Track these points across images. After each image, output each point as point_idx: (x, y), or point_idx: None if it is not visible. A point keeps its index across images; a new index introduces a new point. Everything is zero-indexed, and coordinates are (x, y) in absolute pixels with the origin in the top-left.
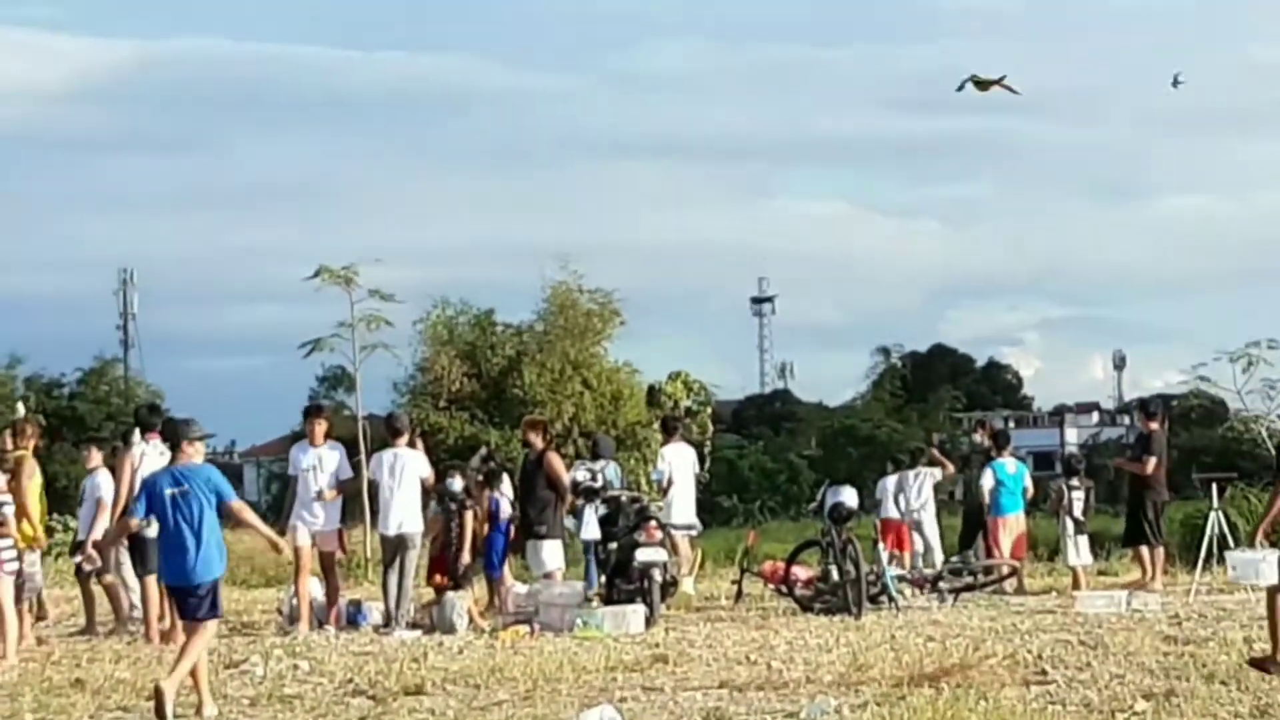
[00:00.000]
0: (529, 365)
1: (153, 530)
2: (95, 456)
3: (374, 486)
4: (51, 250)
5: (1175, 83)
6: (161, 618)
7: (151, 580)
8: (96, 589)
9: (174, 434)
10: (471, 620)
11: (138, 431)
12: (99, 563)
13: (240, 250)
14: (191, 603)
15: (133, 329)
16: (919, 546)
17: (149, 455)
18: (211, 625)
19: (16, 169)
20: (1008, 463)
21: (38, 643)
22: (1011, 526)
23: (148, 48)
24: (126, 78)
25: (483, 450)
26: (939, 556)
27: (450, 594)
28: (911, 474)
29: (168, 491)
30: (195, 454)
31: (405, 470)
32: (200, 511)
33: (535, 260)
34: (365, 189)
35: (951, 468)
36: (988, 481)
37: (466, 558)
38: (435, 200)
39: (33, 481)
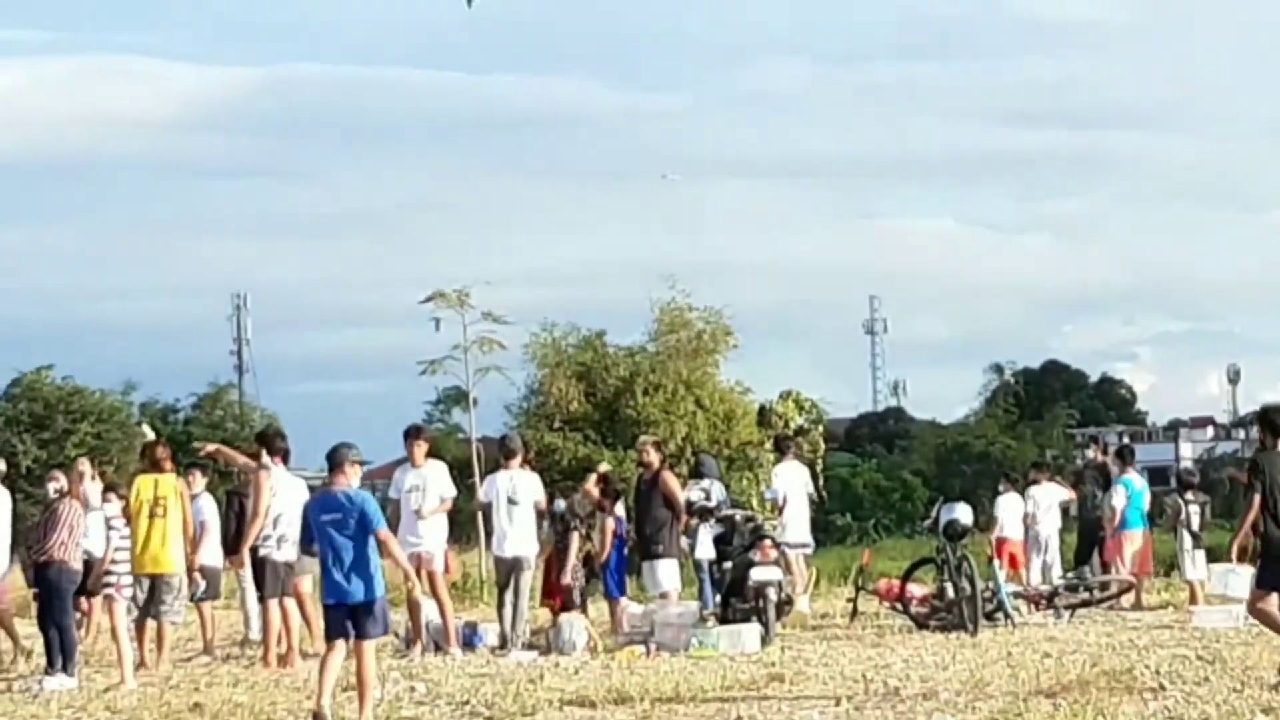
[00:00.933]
0: (642, 386)
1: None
2: (199, 481)
3: (488, 508)
4: (166, 276)
5: None
6: (279, 642)
7: (273, 604)
8: (210, 612)
9: (335, 457)
10: (590, 641)
11: (265, 454)
12: (203, 585)
13: (353, 274)
14: (363, 620)
15: (247, 354)
16: (1038, 563)
17: (279, 479)
18: (373, 644)
19: (132, 195)
20: (1134, 478)
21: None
22: (1136, 541)
23: (260, 75)
24: (239, 105)
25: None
26: (1056, 572)
27: (566, 615)
28: (1034, 490)
29: (324, 516)
30: (354, 476)
31: (519, 492)
32: (359, 533)
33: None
34: (477, 212)
35: (1072, 493)
36: (1119, 499)
37: (568, 579)
38: (547, 222)
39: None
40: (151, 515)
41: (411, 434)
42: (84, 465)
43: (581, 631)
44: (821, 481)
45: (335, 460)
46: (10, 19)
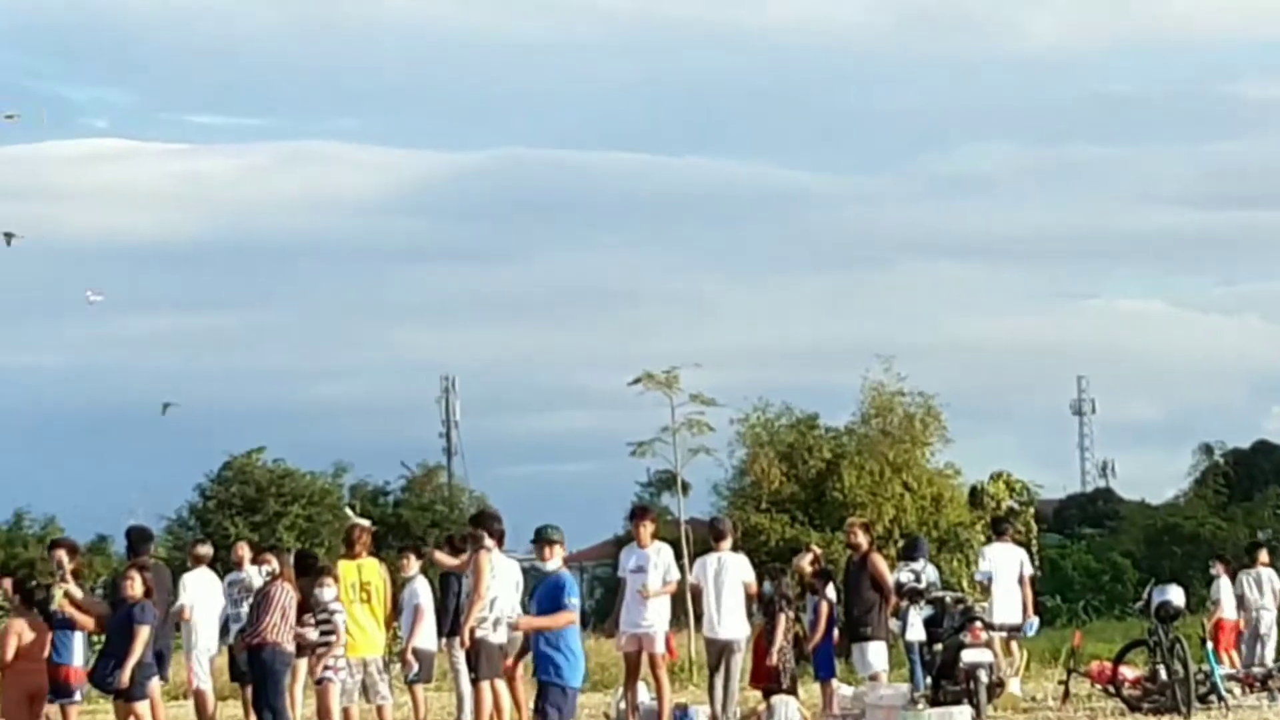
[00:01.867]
0: (848, 467)
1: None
2: (413, 564)
3: (698, 590)
4: (376, 358)
5: None
6: None
7: (484, 686)
8: (422, 694)
9: (541, 536)
10: None
11: (485, 535)
12: (416, 668)
13: (561, 356)
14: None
15: (455, 436)
16: (1257, 646)
17: (495, 561)
18: None
19: (340, 279)
20: None
21: None
22: None
23: (457, 159)
24: (447, 188)
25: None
26: (1270, 655)
27: (779, 696)
28: (1252, 572)
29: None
30: (554, 556)
31: (729, 574)
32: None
33: (851, 362)
34: (682, 294)
35: None
36: None
37: (774, 660)
38: (750, 304)
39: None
40: (358, 600)
41: (639, 514)
42: (242, 549)
43: (795, 713)
44: (1037, 562)
45: (541, 539)
46: (218, 106)
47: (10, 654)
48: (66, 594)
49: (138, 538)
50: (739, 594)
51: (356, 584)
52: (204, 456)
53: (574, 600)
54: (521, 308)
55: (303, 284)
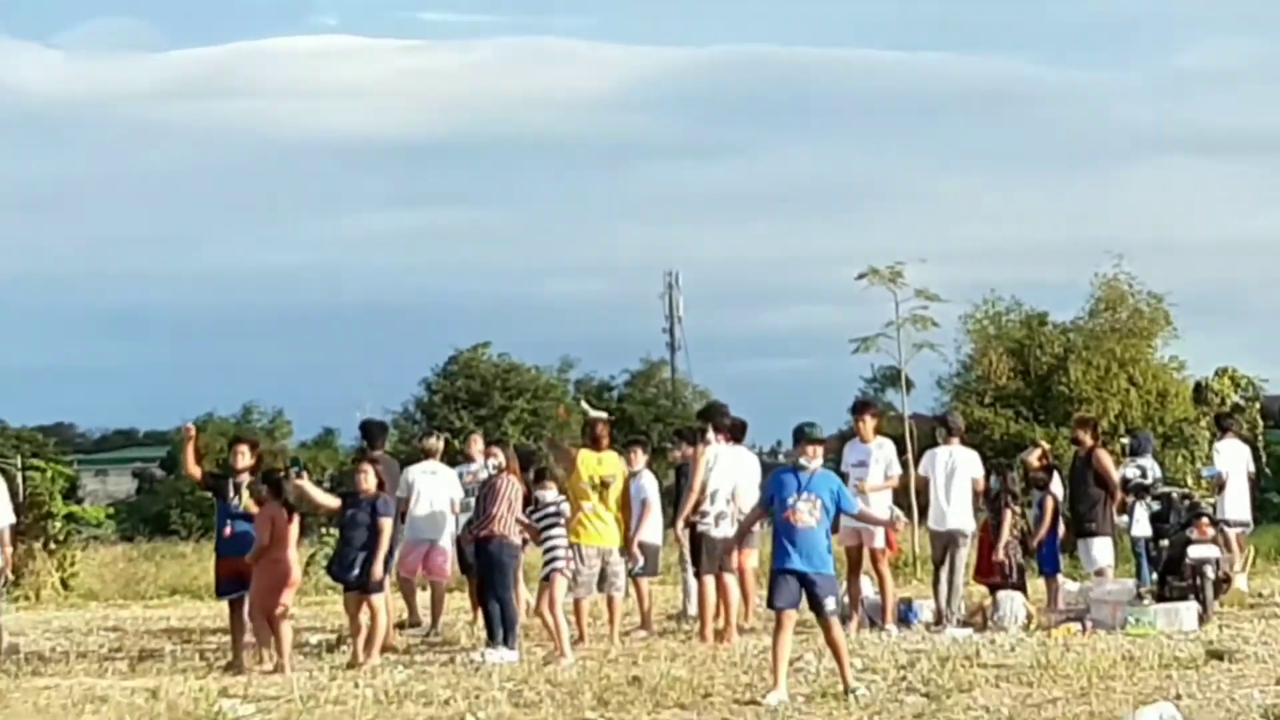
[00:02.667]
0: (1076, 363)
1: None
2: (640, 458)
3: (923, 483)
4: (600, 254)
5: None
6: (716, 617)
7: (709, 580)
8: (647, 587)
9: (800, 434)
10: (1028, 618)
11: (710, 430)
12: (641, 561)
13: (783, 251)
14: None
15: (679, 331)
16: None
17: (721, 455)
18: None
19: (560, 174)
20: None
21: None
22: None
23: (688, 54)
24: (671, 85)
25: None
26: None
27: (1004, 592)
28: None
29: (790, 497)
30: (816, 456)
31: (958, 468)
32: (822, 513)
33: (1081, 259)
34: (909, 189)
35: None
36: None
37: (1001, 555)
38: (979, 200)
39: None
40: (598, 491)
41: (860, 408)
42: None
43: (1020, 608)
44: (1264, 460)
45: (800, 437)
46: (448, 3)
47: (266, 541)
48: (293, 487)
49: (375, 430)
50: (967, 488)
51: (597, 476)
52: (430, 351)
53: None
54: (746, 204)
55: (530, 180)
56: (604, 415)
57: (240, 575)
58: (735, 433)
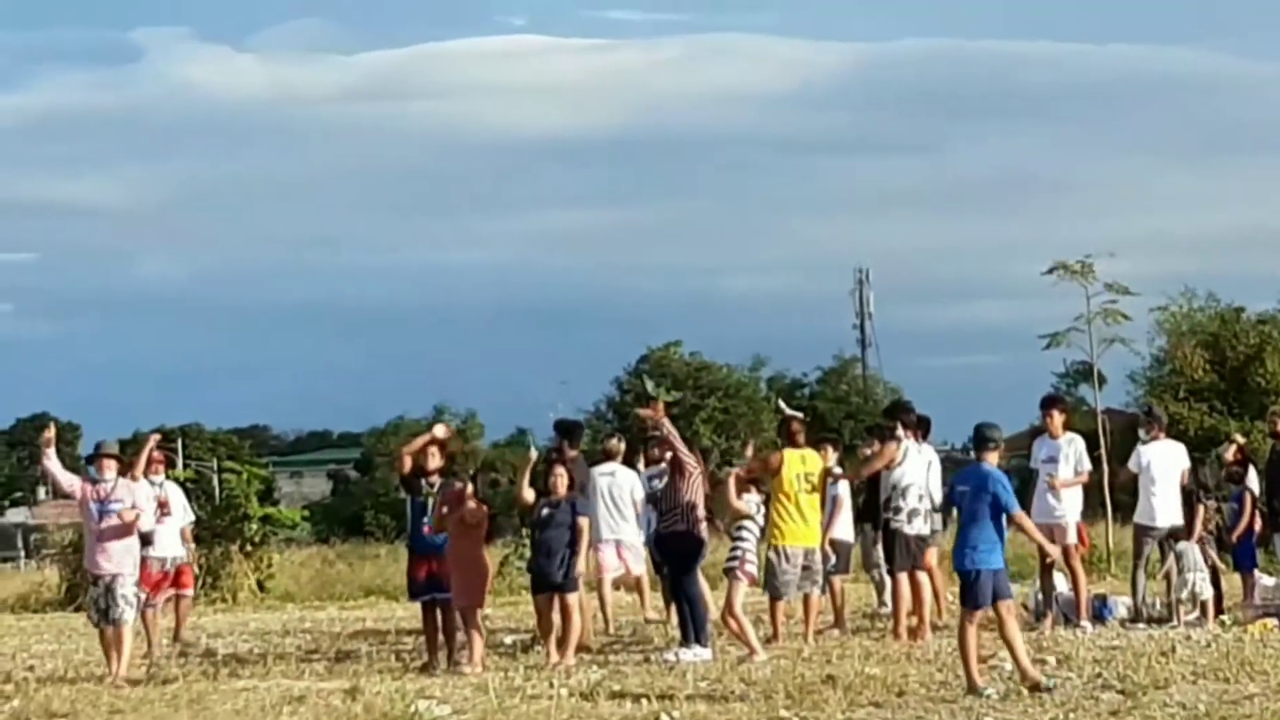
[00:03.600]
0: (1271, 354)
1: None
2: (830, 456)
3: (1132, 480)
4: (789, 251)
5: None
6: (911, 614)
7: (902, 577)
8: (840, 585)
9: (979, 437)
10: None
11: (900, 427)
12: (833, 559)
13: (974, 246)
14: (974, 590)
15: (869, 328)
16: None
17: (910, 452)
18: (1007, 604)
19: (747, 171)
20: None
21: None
22: None
23: (873, 50)
24: (852, 80)
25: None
26: None
27: (1183, 543)
28: None
29: (961, 488)
30: (989, 456)
31: (1173, 462)
32: (981, 508)
33: (1275, 250)
34: (1098, 182)
35: None
36: None
37: (1211, 550)
38: (1169, 191)
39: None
40: (802, 490)
41: (1050, 403)
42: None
43: (1198, 556)
44: None
45: (979, 441)
46: (626, 1)
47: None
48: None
49: (572, 429)
50: (1174, 482)
51: (801, 474)
52: (622, 350)
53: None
54: (934, 199)
55: (717, 177)
56: (797, 415)
57: (434, 576)
58: (922, 429)
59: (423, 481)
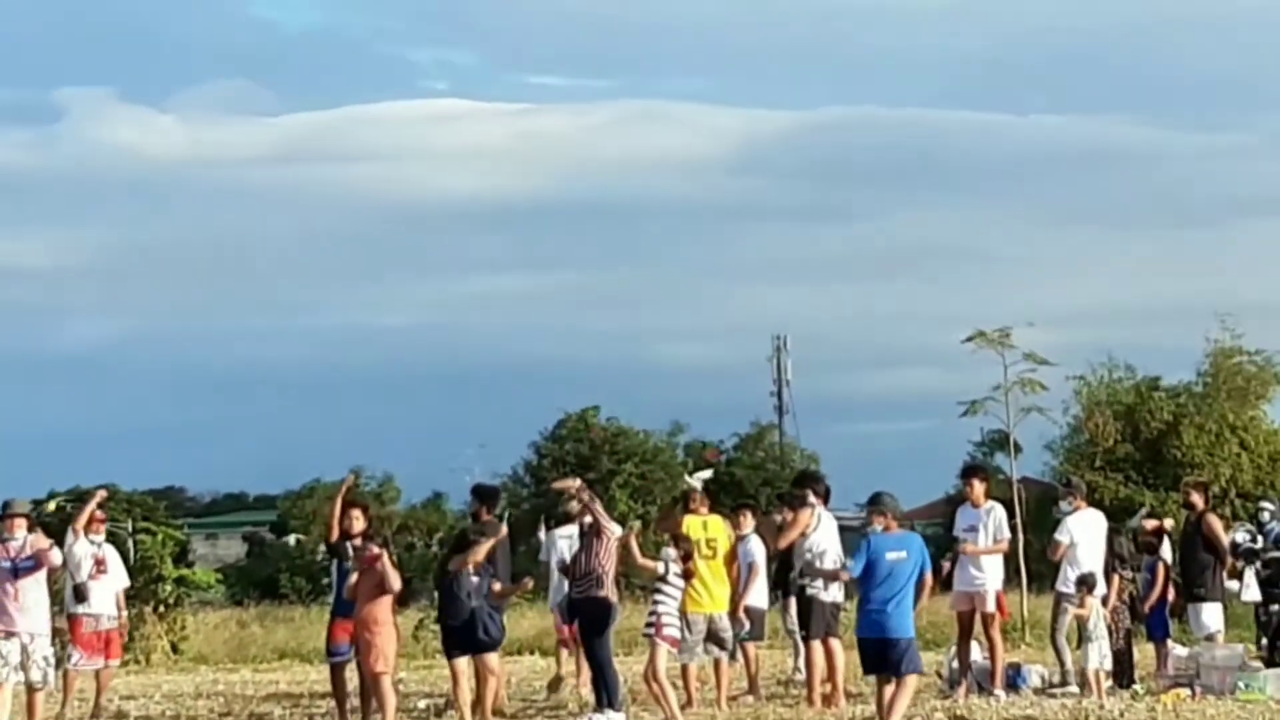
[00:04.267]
0: (1188, 428)
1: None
2: (748, 522)
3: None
4: (707, 319)
5: None
6: (824, 681)
7: (816, 644)
8: (754, 652)
9: (889, 505)
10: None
11: (810, 494)
12: (747, 626)
13: (894, 314)
14: (893, 658)
15: (787, 394)
16: None
17: (823, 519)
18: (913, 680)
19: (676, 238)
20: None
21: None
22: None
23: (796, 118)
24: (782, 148)
25: (1143, 510)
26: None
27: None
28: None
29: (889, 555)
30: (894, 524)
31: (1090, 533)
32: (909, 575)
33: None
34: (1017, 252)
35: None
36: None
37: (1107, 619)
38: (1088, 262)
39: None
40: (703, 556)
41: (970, 472)
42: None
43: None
44: None
45: (890, 508)
46: (555, 66)
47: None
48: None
49: (488, 494)
50: (1096, 552)
51: (703, 540)
52: (539, 414)
53: (849, 562)
54: (854, 267)
55: (641, 243)
56: (696, 484)
57: (352, 638)
58: (826, 497)
59: (348, 545)
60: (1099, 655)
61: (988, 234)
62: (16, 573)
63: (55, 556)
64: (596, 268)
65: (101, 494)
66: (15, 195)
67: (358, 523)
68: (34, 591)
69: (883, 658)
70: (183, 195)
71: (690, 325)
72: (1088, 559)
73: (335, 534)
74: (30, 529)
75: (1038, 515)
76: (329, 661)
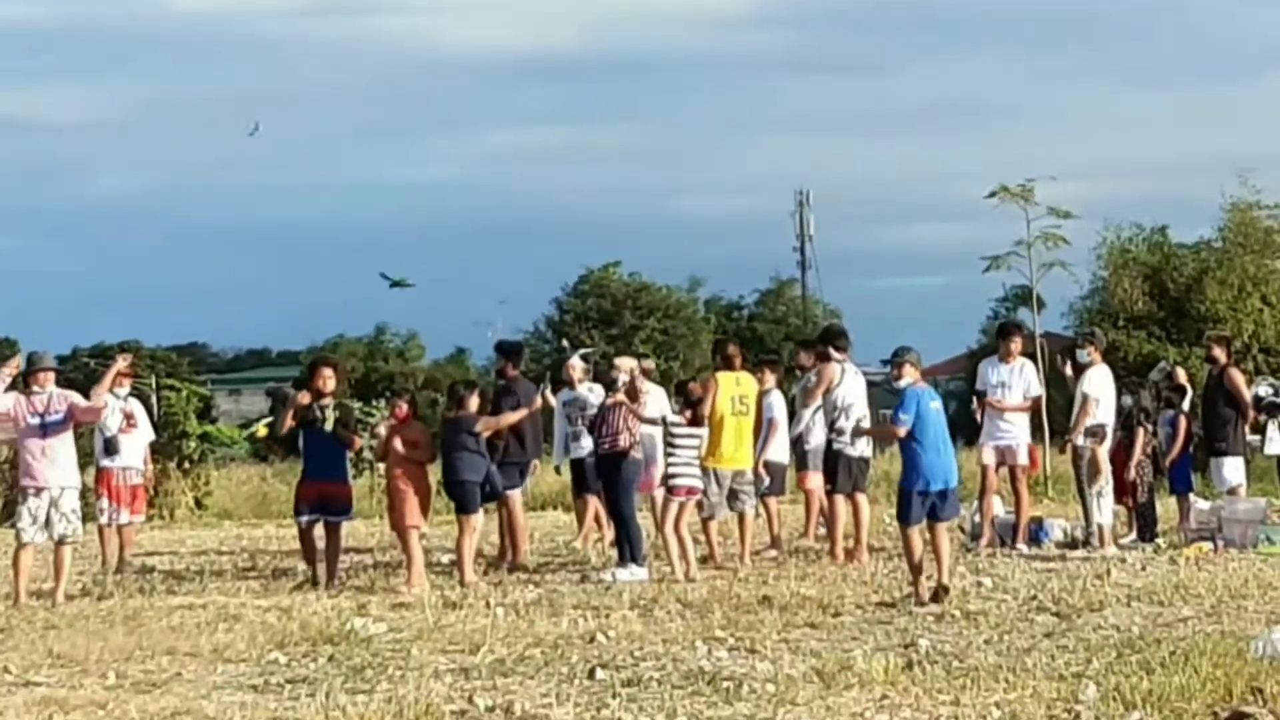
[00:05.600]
0: (1211, 283)
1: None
2: (769, 378)
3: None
4: (731, 172)
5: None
6: (847, 536)
7: (840, 499)
8: (776, 507)
9: (905, 358)
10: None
11: (833, 351)
12: (768, 481)
13: (915, 169)
14: (946, 505)
15: (809, 250)
16: None
17: (848, 374)
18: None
19: (697, 91)
20: None
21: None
22: None
23: None
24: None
25: (1163, 364)
26: None
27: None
28: None
29: (932, 404)
30: (904, 375)
31: (1107, 388)
32: (945, 423)
33: (1213, 175)
34: (1042, 106)
35: None
36: None
37: (1133, 474)
38: (1112, 116)
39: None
40: (735, 412)
41: (1008, 332)
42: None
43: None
44: None
45: (902, 357)
46: None
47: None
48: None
49: (512, 351)
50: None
51: (735, 396)
52: (562, 270)
53: (902, 416)
54: (880, 120)
55: (667, 98)
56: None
57: (324, 498)
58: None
59: (316, 406)
60: (1108, 509)
61: (1011, 86)
62: (46, 429)
63: (99, 400)
64: (618, 122)
65: (124, 360)
66: (43, 49)
67: (329, 382)
68: (64, 446)
69: (936, 506)
70: (210, 49)
71: (713, 180)
72: (1103, 412)
73: (291, 421)
74: (57, 383)
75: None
76: (298, 522)
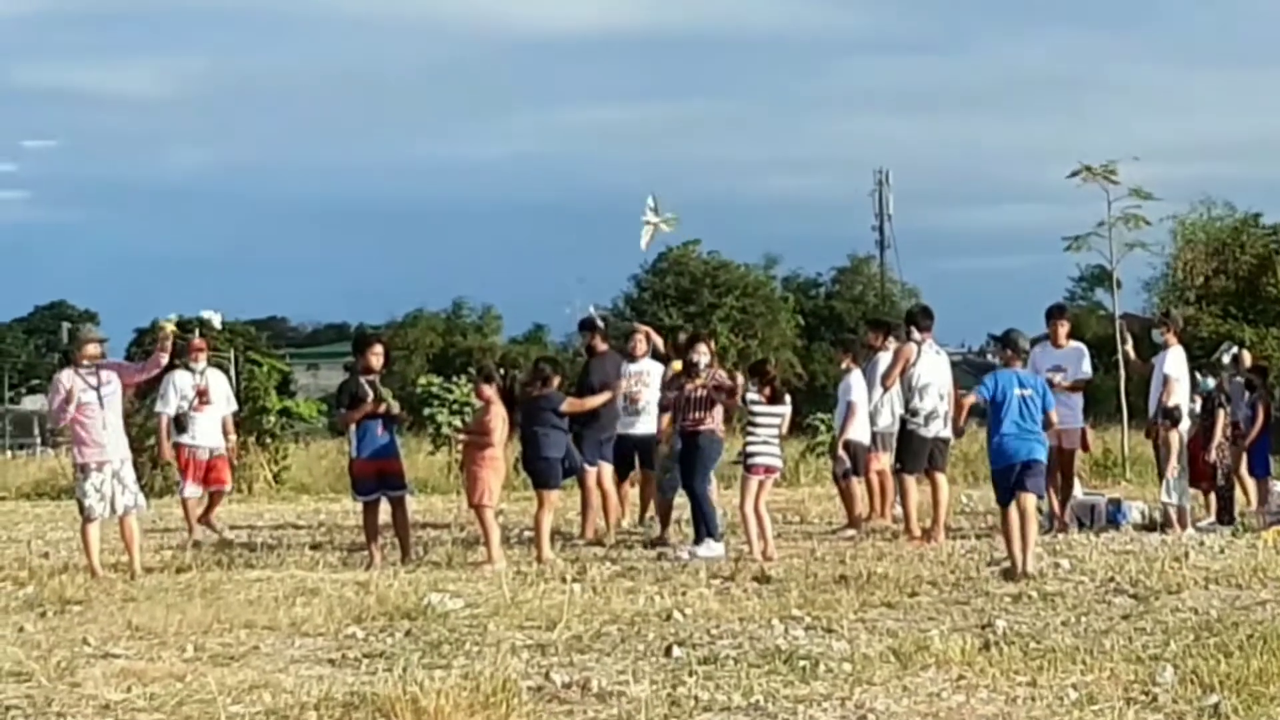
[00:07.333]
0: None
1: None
2: (847, 358)
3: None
4: (811, 151)
5: None
6: (924, 516)
7: (910, 479)
8: (858, 490)
9: (1015, 343)
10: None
11: (914, 330)
12: (848, 463)
13: (996, 149)
14: (1025, 475)
15: (888, 229)
16: None
17: (926, 353)
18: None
19: (777, 70)
20: None
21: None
22: None
23: None
24: None
25: (1228, 345)
26: None
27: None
28: None
29: (1015, 392)
30: (1017, 360)
31: (1182, 369)
32: (1039, 411)
33: None
34: (1125, 85)
35: None
36: None
37: (1213, 456)
38: (1198, 97)
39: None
40: None
41: (1054, 313)
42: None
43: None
44: None
45: (1014, 346)
46: None
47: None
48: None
49: (592, 325)
50: (1188, 390)
51: None
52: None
53: (977, 391)
54: (960, 99)
55: (744, 76)
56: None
57: (383, 475)
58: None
59: (364, 382)
60: (1181, 491)
61: (1096, 67)
62: (104, 401)
63: (160, 359)
64: (699, 101)
65: (169, 328)
66: (120, 23)
67: (379, 359)
68: (118, 418)
69: (1022, 478)
70: (286, 24)
71: (794, 158)
72: (1179, 393)
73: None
74: (102, 355)
75: (1138, 351)
76: (359, 500)
